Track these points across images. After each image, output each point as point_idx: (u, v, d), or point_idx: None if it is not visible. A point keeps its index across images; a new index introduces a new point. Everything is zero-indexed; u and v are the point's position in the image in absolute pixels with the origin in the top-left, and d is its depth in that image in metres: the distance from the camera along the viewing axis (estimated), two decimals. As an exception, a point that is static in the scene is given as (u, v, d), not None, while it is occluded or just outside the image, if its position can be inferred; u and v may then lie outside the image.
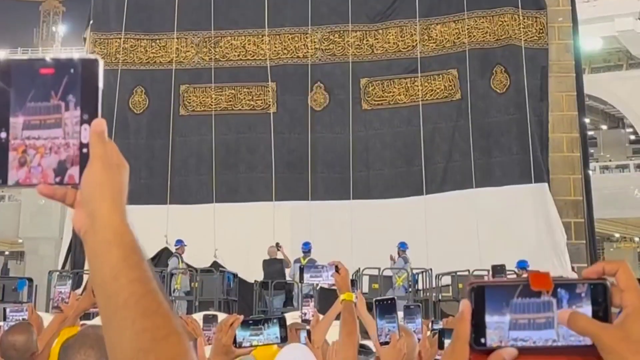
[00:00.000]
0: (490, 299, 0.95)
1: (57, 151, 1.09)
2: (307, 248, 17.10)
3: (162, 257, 18.88)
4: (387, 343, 3.34)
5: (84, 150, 1.09)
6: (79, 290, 13.37)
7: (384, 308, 3.47)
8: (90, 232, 1.08)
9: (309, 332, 5.06)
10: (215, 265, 18.86)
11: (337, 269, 4.03)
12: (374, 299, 3.75)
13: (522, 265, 15.49)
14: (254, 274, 17.83)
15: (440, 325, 5.91)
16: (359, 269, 16.75)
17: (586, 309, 0.94)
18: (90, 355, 2.69)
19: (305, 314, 6.02)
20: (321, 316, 5.22)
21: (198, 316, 6.49)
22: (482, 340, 0.95)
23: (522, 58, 19.62)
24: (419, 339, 3.79)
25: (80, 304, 5.15)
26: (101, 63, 1.12)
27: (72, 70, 1.10)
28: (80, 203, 1.10)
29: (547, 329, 0.94)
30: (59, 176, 1.10)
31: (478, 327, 0.95)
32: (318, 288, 14.04)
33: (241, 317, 3.18)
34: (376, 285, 16.65)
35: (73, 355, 2.71)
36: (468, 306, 0.96)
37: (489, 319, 0.95)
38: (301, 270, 4.96)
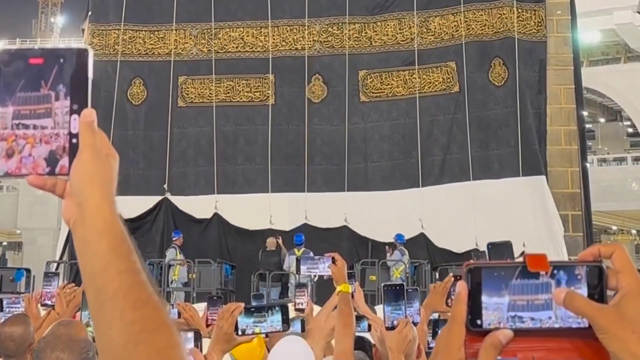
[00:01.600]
0: (487, 281, 0.95)
1: (47, 141, 1.09)
2: (300, 241, 17.04)
3: (161, 209, 19.09)
4: (392, 328, 3.32)
5: (74, 140, 1.08)
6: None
7: (392, 294, 3.44)
8: (79, 223, 1.07)
9: (302, 322, 5.05)
10: (216, 217, 19.22)
11: (333, 261, 4.03)
12: (382, 285, 3.73)
13: None
14: (255, 223, 18.46)
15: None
16: (356, 260, 16.75)
17: (583, 291, 0.94)
18: (63, 359, 2.67)
19: (300, 303, 5.99)
20: (317, 307, 5.21)
21: (198, 306, 6.46)
22: (478, 322, 0.95)
23: (520, 51, 19.57)
24: (416, 324, 3.77)
25: (78, 297, 5.15)
26: (91, 53, 1.11)
27: (61, 60, 1.09)
28: (69, 193, 1.09)
29: (545, 311, 0.94)
30: (50, 166, 1.09)
31: (474, 309, 0.95)
32: (316, 279, 14.03)
33: (242, 305, 3.19)
34: (373, 277, 16.63)
35: (45, 359, 2.70)
36: (464, 287, 0.96)
37: (487, 300, 0.95)
38: (297, 261, 4.94)
